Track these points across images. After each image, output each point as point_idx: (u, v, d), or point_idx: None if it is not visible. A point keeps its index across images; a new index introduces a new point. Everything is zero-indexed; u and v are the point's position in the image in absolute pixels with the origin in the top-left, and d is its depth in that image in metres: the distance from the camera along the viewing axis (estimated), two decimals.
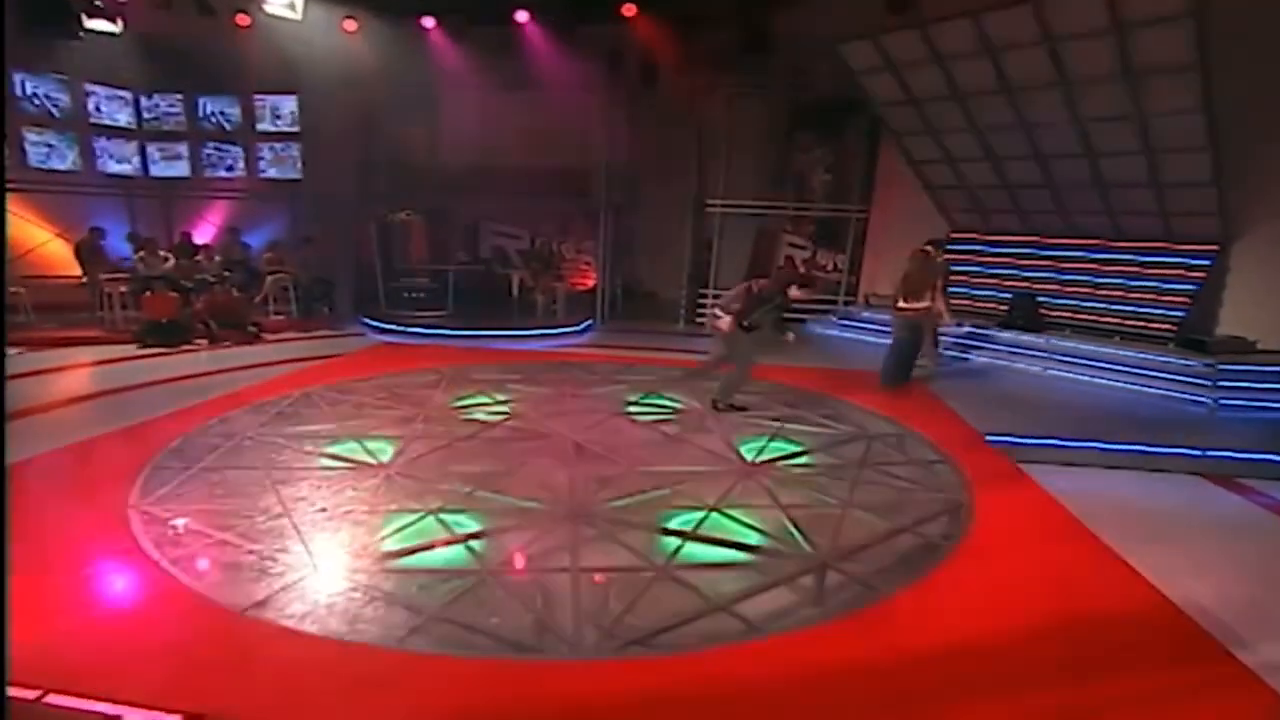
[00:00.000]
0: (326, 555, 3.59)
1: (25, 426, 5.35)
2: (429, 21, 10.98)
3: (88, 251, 9.99)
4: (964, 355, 9.03)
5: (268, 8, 10.16)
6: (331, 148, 11.39)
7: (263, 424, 5.59)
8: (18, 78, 9.95)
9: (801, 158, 11.67)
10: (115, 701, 2.37)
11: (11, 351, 7.70)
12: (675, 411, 6.45)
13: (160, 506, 4.05)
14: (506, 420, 6.00)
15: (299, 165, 11.54)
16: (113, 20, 10.13)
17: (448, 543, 3.77)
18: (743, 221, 11.83)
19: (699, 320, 11.37)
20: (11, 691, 2.24)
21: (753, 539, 3.93)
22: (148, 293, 8.94)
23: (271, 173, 11.59)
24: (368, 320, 10.68)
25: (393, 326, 10.34)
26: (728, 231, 11.77)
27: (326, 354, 8.49)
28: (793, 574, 3.55)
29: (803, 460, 5.29)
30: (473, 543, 3.79)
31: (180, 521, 3.87)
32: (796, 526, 4.06)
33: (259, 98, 11.32)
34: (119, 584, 3.32)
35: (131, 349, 8.29)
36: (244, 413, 5.86)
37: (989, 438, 5.80)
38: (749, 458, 5.24)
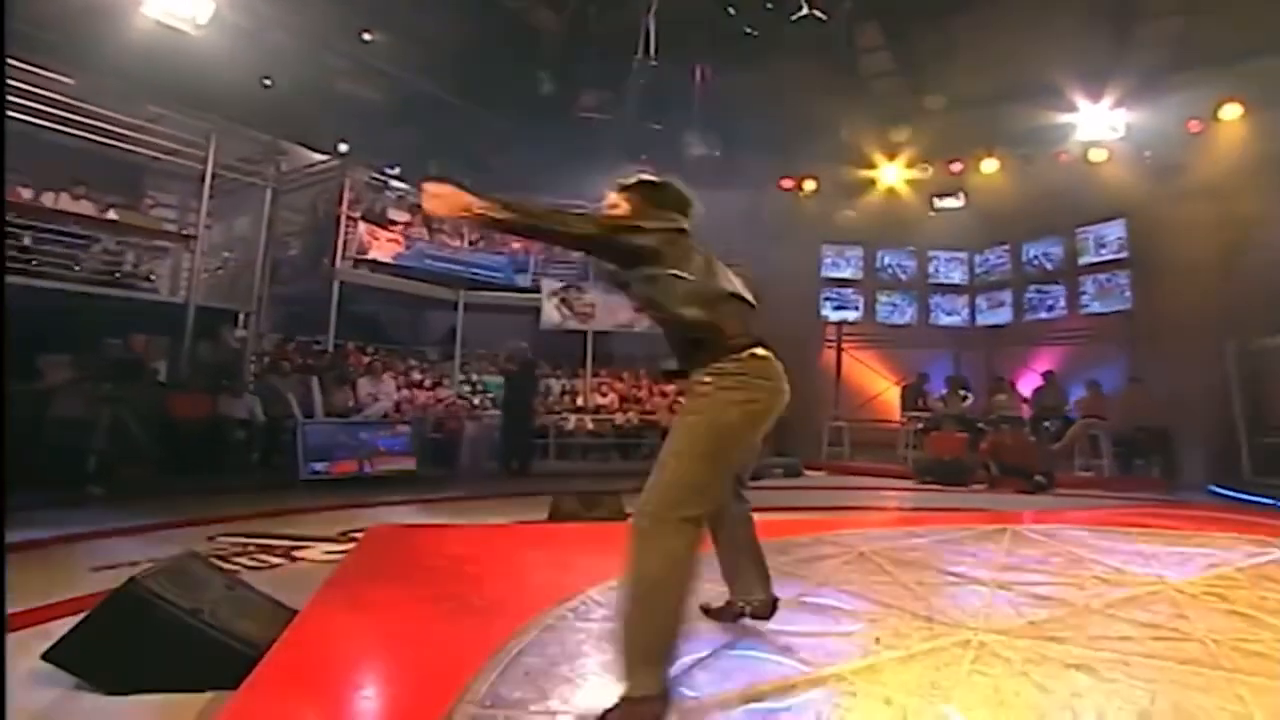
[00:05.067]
0: None
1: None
2: None
3: (910, 396, 10.91)
4: None
5: (1090, 135, 10.01)
6: (1173, 267, 9.28)
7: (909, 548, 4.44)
8: (879, 253, 12.08)
9: None
10: None
11: (818, 474, 9.05)
12: None
13: None
14: None
15: (1127, 295, 9.86)
16: (957, 196, 11.62)
17: None
18: None
19: None
20: None
21: None
22: (935, 431, 9.02)
23: (1095, 307, 10.27)
24: (1219, 488, 7.86)
25: (1260, 499, 7.22)
26: None
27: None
28: None
29: None
30: None
31: None
32: None
33: (1082, 230, 10.40)
34: None
35: (910, 483, 8.42)
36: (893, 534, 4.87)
37: None
38: None
